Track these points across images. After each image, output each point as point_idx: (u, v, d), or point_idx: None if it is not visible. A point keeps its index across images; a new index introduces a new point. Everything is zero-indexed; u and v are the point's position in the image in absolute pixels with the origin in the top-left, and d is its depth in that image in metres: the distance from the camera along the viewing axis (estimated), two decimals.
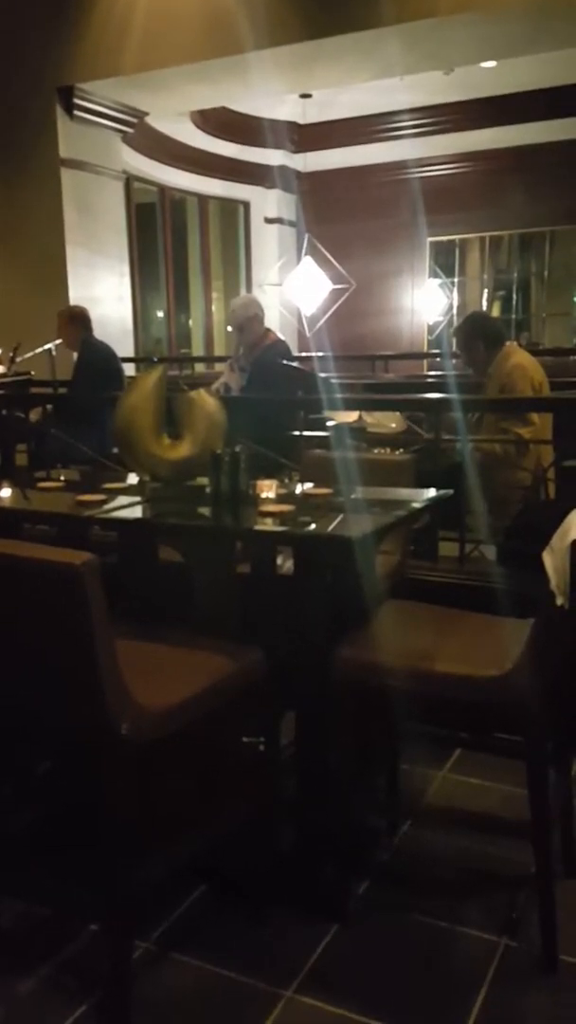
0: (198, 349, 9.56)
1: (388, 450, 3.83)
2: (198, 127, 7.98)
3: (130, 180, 7.50)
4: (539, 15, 5.00)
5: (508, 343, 3.91)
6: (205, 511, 2.35)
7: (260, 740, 2.09)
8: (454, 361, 4.21)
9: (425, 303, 9.93)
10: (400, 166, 9.15)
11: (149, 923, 1.96)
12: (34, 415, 4.92)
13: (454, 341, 4.06)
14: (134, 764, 1.69)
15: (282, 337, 4.97)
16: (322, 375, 4.68)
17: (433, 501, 2.42)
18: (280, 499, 2.33)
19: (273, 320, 7.30)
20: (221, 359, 7.22)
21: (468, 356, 3.93)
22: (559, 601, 1.68)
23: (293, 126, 8.92)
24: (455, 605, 2.28)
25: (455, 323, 9.35)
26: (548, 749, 1.87)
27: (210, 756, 2.00)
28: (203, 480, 2.41)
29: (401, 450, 3.75)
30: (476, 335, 3.88)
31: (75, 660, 1.61)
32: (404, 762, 2.47)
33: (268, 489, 2.37)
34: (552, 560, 1.71)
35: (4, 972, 1.85)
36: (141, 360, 7.20)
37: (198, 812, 1.92)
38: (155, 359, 7.38)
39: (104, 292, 6.63)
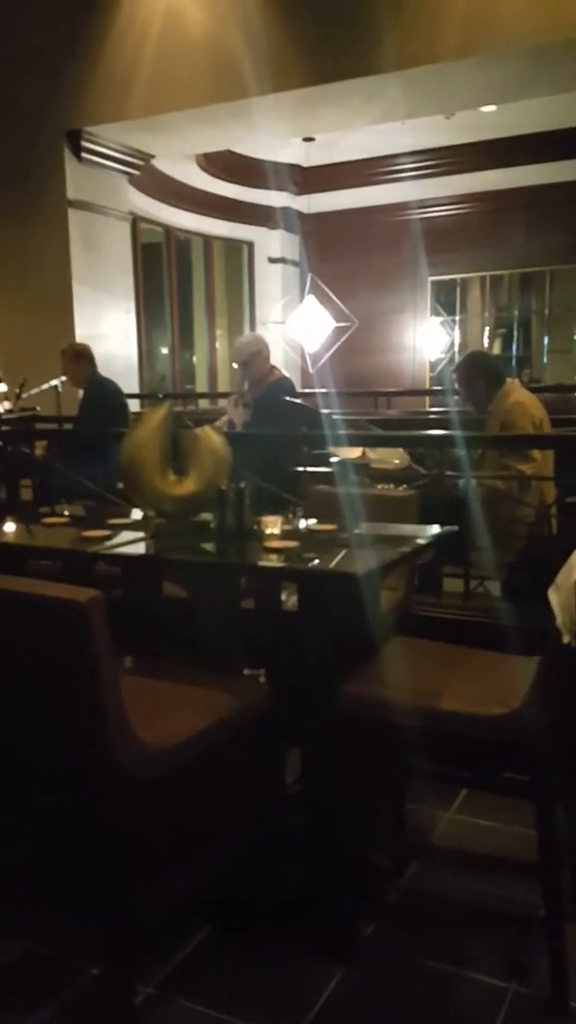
0: (202, 386, 9.65)
1: (392, 486, 3.84)
2: (203, 169, 8.12)
3: (136, 221, 7.62)
4: (537, 61, 5.11)
5: (508, 380, 3.95)
6: (210, 547, 2.35)
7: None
8: (455, 398, 4.24)
9: (427, 340, 10.02)
10: (402, 207, 9.29)
11: (151, 967, 1.92)
12: (39, 450, 4.94)
13: (454, 379, 4.10)
14: (137, 800, 1.67)
15: (286, 374, 5.01)
16: (325, 411, 4.70)
17: (437, 537, 2.43)
18: (284, 535, 2.34)
19: (277, 357, 7.37)
20: (225, 395, 7.27)
21: (468, 394, 3.96)
22: (565, 639, 1.68)
23: (296, 168, 9.07)
24: (460, 641, 2.27)
25: (456, 360, 9.44)
26: (556, 788, 1.85)
27: (214, 792, 1.98)
28: (208, 516, 2.41)
29: (404, 486, 3.76)
30: (476, 374, 3.91)
31: (79, 696, 1.61)
32: (411, 801, 2.44)
33: (272, 525, 2.38)
34: (558, 597, 1.71)
35: (3, 1013, 1.81)
36: (146, 396, 7.25)
37: (201, 848, 1.90)
38: (160, 395, 7.44)
39: (110, 329, 6.71)
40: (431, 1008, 1.83)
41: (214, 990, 1.87)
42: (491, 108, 6.79)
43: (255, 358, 4.53)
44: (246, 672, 1.98)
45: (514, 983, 1.88)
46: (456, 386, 4.04)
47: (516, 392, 3.87)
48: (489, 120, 7.31)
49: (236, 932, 2.05)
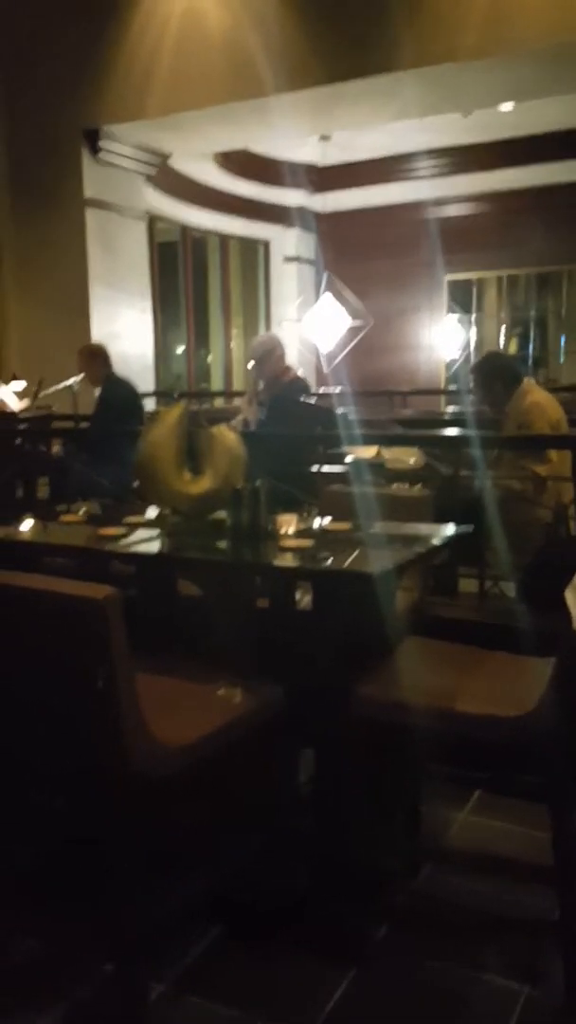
0: (217, 385, 9.66)
1: (407, 485, 3.83)
2: (220, 168, 8.14)
3: (153, 220, 7.64)
4: (555, 59, 5.08)
5: (525, 380, 3.92)
6: (225, 546, 2.35)
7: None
8: (472, 398, 4.23)
9: (443, 340, 10.00)
10: (418, 206, 9.27)
11: (165, 964, 1.93)
12: (55, 449, 4.97)
13: (471, 379, 4.08)
14: (149, 800, 1.68)
15: (301, 374, 5.00)
16: (340, 411, 4.70)
17: (452, 537, 2.42)
18: (299, 534, 2.33)
19: (292, 357, 7.38)
20: (239, 394, 7.29)
21: (485, 395, 3.94)
22: None
23: (313, 167, 9.07)
24: (474, 642, 2.26)
25: (472, 360, 9.40)
26: (572, 791, 1.84)
27: (226, 791, 1.98)
28: (223, 515, 2.41)
29: (420, 485, 3.75)
30: (494, 375, 3.90)
31: (95, 694, 1.61)
32: (424, 803, 2.43)
33: (288, 524, 2.37)
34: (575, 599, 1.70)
35: (16, 1011, 1.82)
36: (161, 395, 7.28)
37: (213, 849, 1.90)
38: (176, 395, 7.45)
39: (126, 328, 6.73)
40: (443, 1010, 1.83)
41: (228, 989, 1.87)
42: (508, 107, 6.76)
43: (269, 357, 4.54)
44: (259, 672, 1.97)
45: (527, 987, 1.87)
46: (473, 387, 4.03)
47: (534, 392, 3.85)
48: (506, 119, 7.28)
49: (249, 932, 2.05)
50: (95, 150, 6.38)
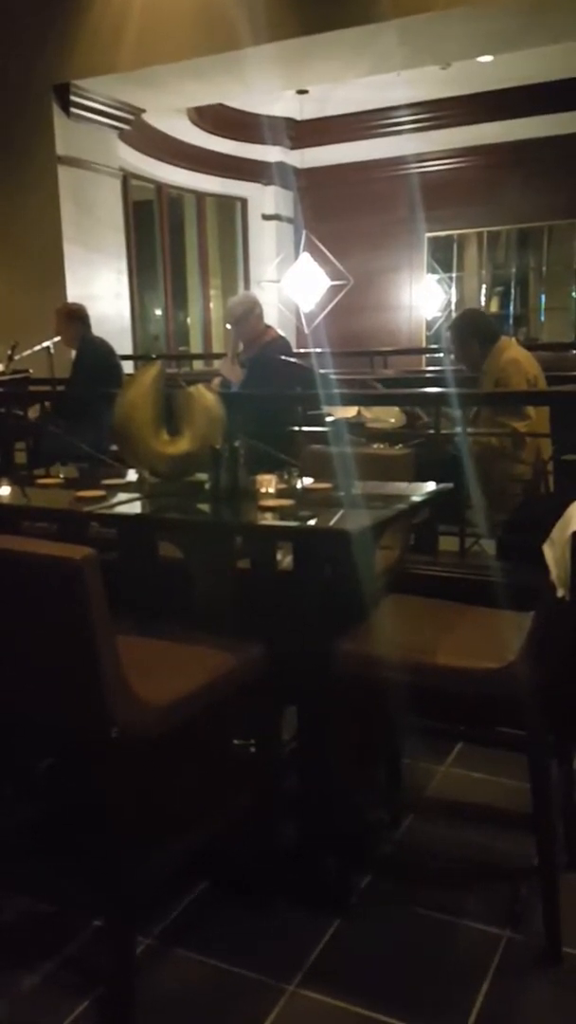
0: (196, 346, 9.56)
1: (387, 445, 3.83)
2: (195, 124, 7.97)
3: (127, 177, 7.49)
4: (534, 8, 4.99)
5: (503, 337, 3.91)
6: (204, 507, 2.35)
7: (251, 743, 2.08)
8: (450, 357, 4.20)
9: (423, 299, 9.93)
10: (398, 162, 9.15)
11: (151, 919, 1.96)
12: (32, 413, 4.91)
13: (448, 338, 4.06)
14: (135, 759, 1.69)
15: (282, 333, 4.96)
16: (321, 371, 4.67)
17: (432, 495, 2.42)
18: (279, 494, 2.33)
19: (271, 317, 7.30)
20: (219, 356, 7.22)
21: (462, 353, 3.92)
22: (560, 593, 1.68)
23: (290, 122, 8.90)
24: (455, 599, 2.27)
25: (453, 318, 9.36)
26: (549, 742, 1.87)
27: (211, 751, 2.00)
28: (202, 476, 2.41)
29: (400, 445, 3.75)
30: (470, 332, 3.87)
31: (75, 655, 1.61)
32: (406, 756, 2.47)
33: (267, 484, 2.37)
34: (552, 552, 1.71)
35: (7, 968, 1.85)
36: (139, 357, 7.19)
37: (199, 807, 1.92)
38: (153, 356, 7.37)
39: (102, 290, 6.62)
40: (426, 955, 1.87)
41: (213, 940, 1.90)
42: (487, 59, 6.65)
43: (248, 316, 4.48)
44: (241, 632, 1.98)
45: (508, 931, 1.92)
46: (450, 345, 4.01)
47: (510, 349, 3.84)
48: (485, 71, 7.16)
49: (234, 886, 2.09)
50: (66, 105, 6.22)
